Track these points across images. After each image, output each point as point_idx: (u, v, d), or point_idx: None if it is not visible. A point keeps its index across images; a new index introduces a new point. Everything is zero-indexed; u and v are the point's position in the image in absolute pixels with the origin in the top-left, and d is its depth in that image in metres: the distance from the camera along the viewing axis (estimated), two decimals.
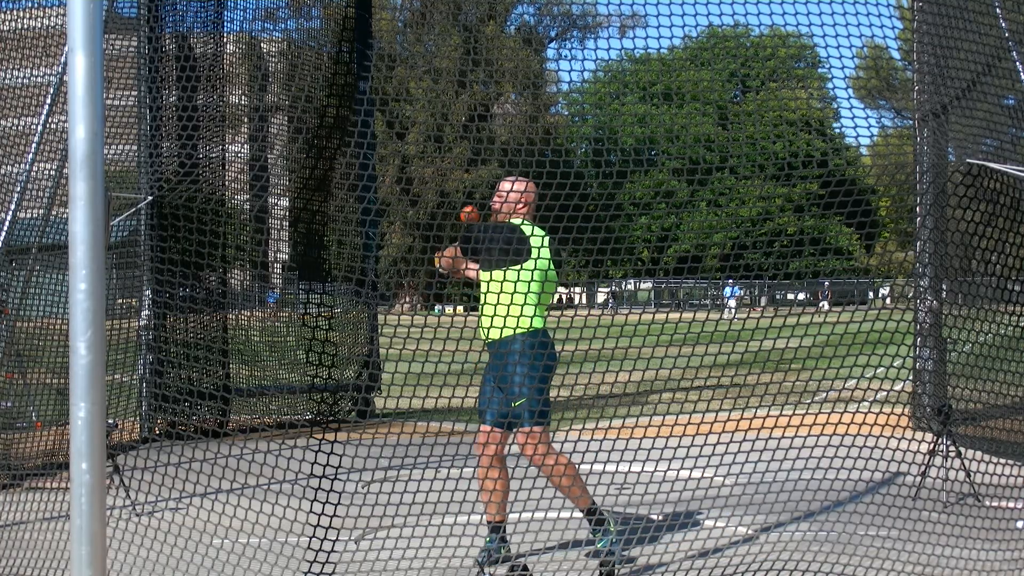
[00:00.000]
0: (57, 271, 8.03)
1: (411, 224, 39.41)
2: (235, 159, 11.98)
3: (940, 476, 6.23)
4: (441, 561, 4.94)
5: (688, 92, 45.40)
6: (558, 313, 5.61)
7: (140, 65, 9.30)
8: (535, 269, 5.12)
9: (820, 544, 5.35)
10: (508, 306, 5.02)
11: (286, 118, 12.92)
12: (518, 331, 5.11)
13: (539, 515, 5.39)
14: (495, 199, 5.40)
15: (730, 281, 42.12)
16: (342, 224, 10.66)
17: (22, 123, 7.55)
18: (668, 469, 5.26)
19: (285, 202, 12.86)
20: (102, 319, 2.89)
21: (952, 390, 6.93)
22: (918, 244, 7.97)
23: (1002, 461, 5.92)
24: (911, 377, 8.93)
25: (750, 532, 5.83)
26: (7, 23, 7.67)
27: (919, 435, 6.50)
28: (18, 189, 7.27)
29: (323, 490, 4.39)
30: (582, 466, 5.34)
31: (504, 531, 5.37)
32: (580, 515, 5.44)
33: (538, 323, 5.18)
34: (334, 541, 4.47)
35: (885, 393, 9.68)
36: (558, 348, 5.33)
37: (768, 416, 5.42)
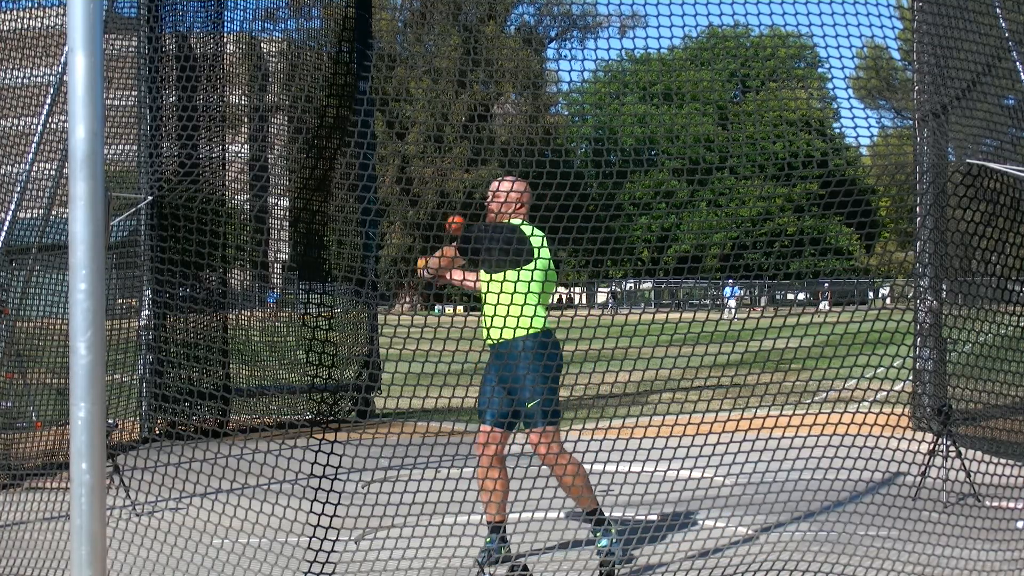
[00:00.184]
0: (57, 271, 8.03)
1: (411, 224, 39.41)
2: (235, 159, 11.98)
3: (940, 476, 6.23)
4: (441, 561, 4.93)
5: (688, 92, 45.40)
6: (558, 313, 5.60)
7: (140, 65, 9.30)
8: (535, 269, 5.12)
9: (820, 544, 5.35)
10: (512, 307, 5.02)
11: (286, 118, 12.92)
12: (528, 331, 5.11)
13: (539, 515, 5.39)
14: (493, 200, 5.38)
15: (730, 281, 42.13)
16: (342, 224, 10.66)
17: (22, 123, 7.55)
18: (668, 469, 5.26)
19: (285, 202, 12.86)
20: (102, 319, 2.89)
21: (952, 390, 6.93)
22: (918, 244, 7.97)
23: (1002, 461, 5.92)
24: (911, 377, 8.93)
25: (750, 532, 5.83)
26: (7, 23, 7.67)
27: (919, 435, 6.50)
28: (18, 189, 7.27)
29: (323, 490, 4.39)
30: (581, 466, 5.34)
31: (504, 531, 5.37)
32: (580, 515, 5.44)
33: (542, 323, 5.17)
34: (334, 541, 4.47)
35: (885, 393, 9.68)
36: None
37: (768, 416, 5.42)
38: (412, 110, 43.70)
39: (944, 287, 8.01)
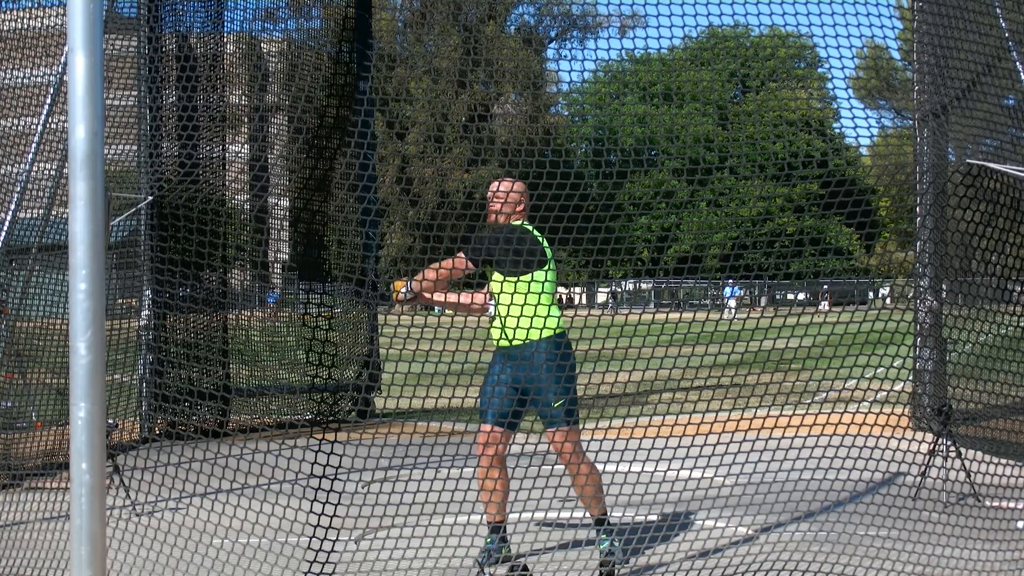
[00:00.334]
0: (57, 271, 8.03)
1: (411, 224, 39.41)
2: (235, 159, 11.98)
3: (940, 476, 6.23)
4: (441, 561, 4.93)
5: (688, 92, 45.42)
6: (558, 313, 5.62)
7: (140, 65, 9.30)
8: (548, 270, 5.15)
9: (820, 544, 5.35)
10: (529, 309, 5.05)
11: (286, 118, 12.92)
12: (544, 334, 5.11)
13: (539, 515, 5.39)
14: (494, 201, 5.35)
15: (730, 281, 42.13)
16: (342, 224, 10.66)
17: (22, 123, 7.55)
18: (668, 469, 5.26)
19: (285, 202, 12.86)
20: (102, 319, 2.90)
21: (952, 390, 6.93)
22: (918, 244, 7.97)
23: (1002, 461, 5.92)
24: (911, 377, 8.93)
25: (750, 532, 5.83)
26: (7, 23, 7.67)
27: (919, 435, 6.50)
28: (18, 189, 7.27)
29: (323, 490, 4.39)
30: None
31: (504, 531, 5.37)
32: (580, 515, 5.44)
33: (557, 324, 5.19)
34: (334, 541, 4.47)
35: (885, 393, 9.68)
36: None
37: (768, 416, 5.42)
38: (412, 110, 43.70)
39: (944, 287, 8.01)
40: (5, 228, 7.21)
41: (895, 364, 6.16)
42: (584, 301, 48.20)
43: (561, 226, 5.17)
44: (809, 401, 8.29)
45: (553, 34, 56.28)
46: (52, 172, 7.60)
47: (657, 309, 43.51)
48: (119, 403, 8.99)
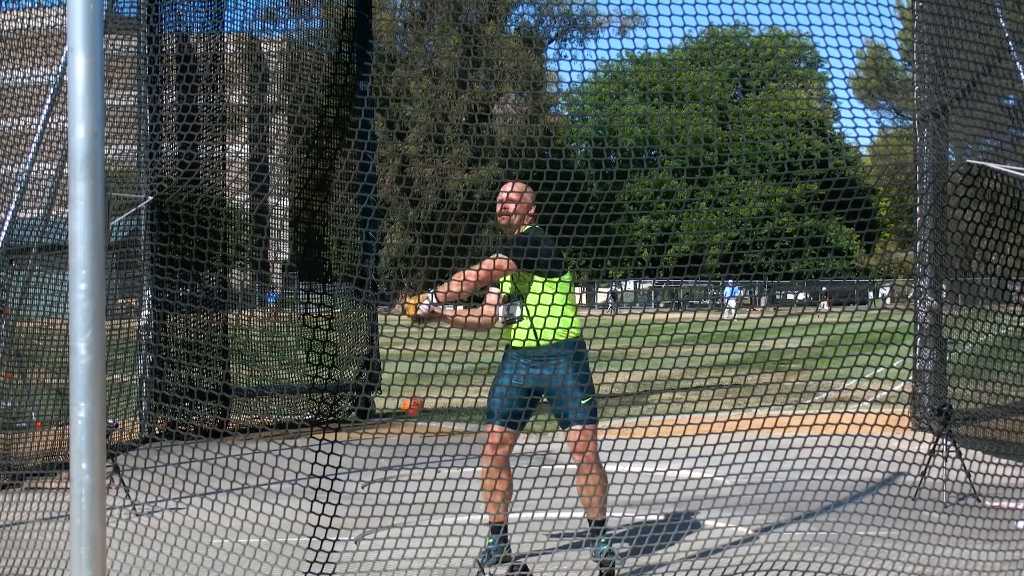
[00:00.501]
0: (57, 271, 8.03)
1: (411, 224, 39.41)
2: (235, 159, 11.97)
3: (940, 476, 6.23)
4: (441, 561, 4.94)
5: (688, 92, 45.41)
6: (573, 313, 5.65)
7: (140, 65, 9.30)
8: (571, 272, 5.21)
9: (820, 544, 5.36)
10: (556, 311, 5.11)
11: (286, 118, 12.92)
12: (572, 334, 5.19)
13: (539, 515, 5.39)
14: (508, 206, 5.32)
15: (730, 281, 42.12)
16: (342, 224, 10.66)
17: (22, 123, 7.55)
18: (668, 469, 5.26)
19: (285, 202, 12.86)
20: (102, 319, 2.89)
21: (952, 390, 6.93)
22: (918, 244, 7.97)
23: (1002, 461, 5.92)
24: (911, 377, 8.93)
25: (750, 532, 5.83)
26: (7, 23, 7.68)
27: (919, 435, 6.50)
28: (18, 189, 7.27)
29: (323, 490, 4.39)
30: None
31: (505, 531, 5.37)
32: (580, 515, 5.43)
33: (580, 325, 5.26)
34: (334, 541, 4.47)
35: (885, 393, 9.68)
36: None
37: (768, 416, 5.42)
38: (412, 110, 43.70)
39: (944, 287, 8.01)
40: (5, 228, 7.21)
41: (895, 364, 6.16)
42: (584, 301, 48.19)
43: (561, 226, 5.17)
44: (809, 401, 8.29)
45: (553, 34, 56.28)
46: (52, 172, 7.60)
47: (657, 309, 43.52)
48: (119, 403, 8.99)
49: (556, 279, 5.16)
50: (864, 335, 5.56)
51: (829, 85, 49.54)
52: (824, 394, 8.04)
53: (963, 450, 6.54)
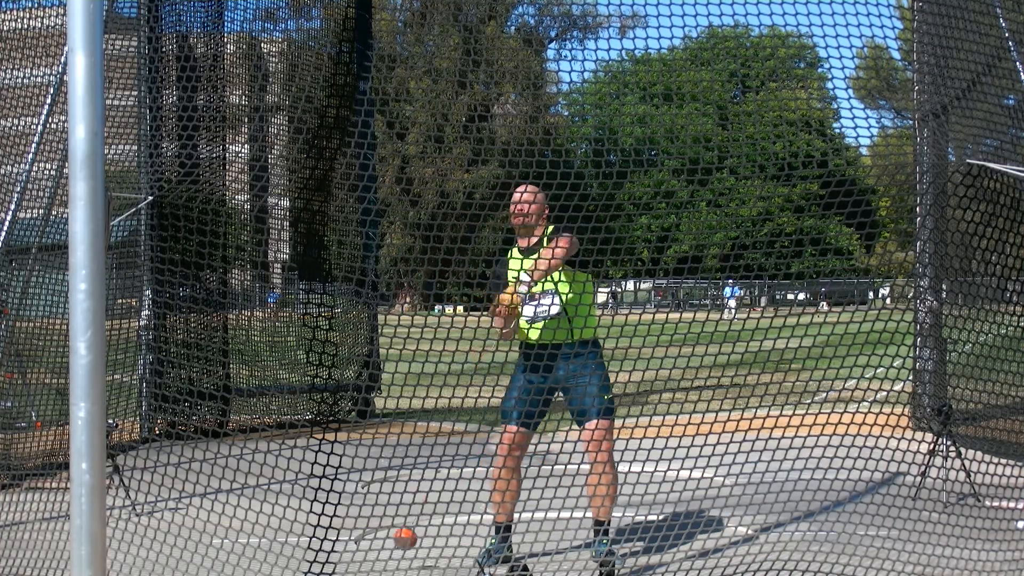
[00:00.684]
0: (57, 271, 8.03)
1: (411, 224, 39.41)
2: (235, 159, 11.97)
3: (940, 476, 6.23)
4: (441, 561, 4.94)
5: (688, 92, 45.42)
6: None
7: (140, 65, 9.30)
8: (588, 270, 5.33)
9: (820, 544, 5.36)
10: (584, 309, 5.21)
11: (286, 118, 12.92)
12: (598, 332, 5.30)
13: (539, 515, 5.39)
14: (523, 207, 5.30)
15: (730, 281, 42.11)
16: (342, 224, 10.66)
17: (22, 123, 7.55)
18: (668, 469, 5.26)
19: (285, 202, 12.86)
20: (102, 319, 2.90)
21: (952, 390, 6.93)
22: (918, 244, 7.97)
23: (1002, 461, 5.92)
24: (911, 377, 8.93)
25: (750, 532, 5.83)
26: (7, 23, 7.68)
27: (919, 435, 6.50)
28: (18, 189, 7.27)
29: (323, 490, 4.39)
30: (583, 466, 5.34)
31: (508, 531, 5.35)
32: (580, 516, 5.43)
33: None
34: (334, 541, 4.47)
35: (885, 393, 9.68)
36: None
37: (768, 416, 5.42)
38: (412, 110, 43.70)
39: (944, 287, 8.01)
40: (5, 228, 7.21)
41: (895, 364, 6.16)
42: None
43: (561, 226, 5.17)
44: (809, 401, 8.29)
45: (553, 34, 56.29)
46: (52, 172, 7.60)
47: (657, 309, 43.52)
48: (119, 403, 8.99)
49: (587, 275, 5.27)
50: (864, 335, 5.56)
51: (829, 85, 49.62)
52: (824, 394, 8.04)
53: (963, 450, 6.54)
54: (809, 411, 5.39)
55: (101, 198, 2.89)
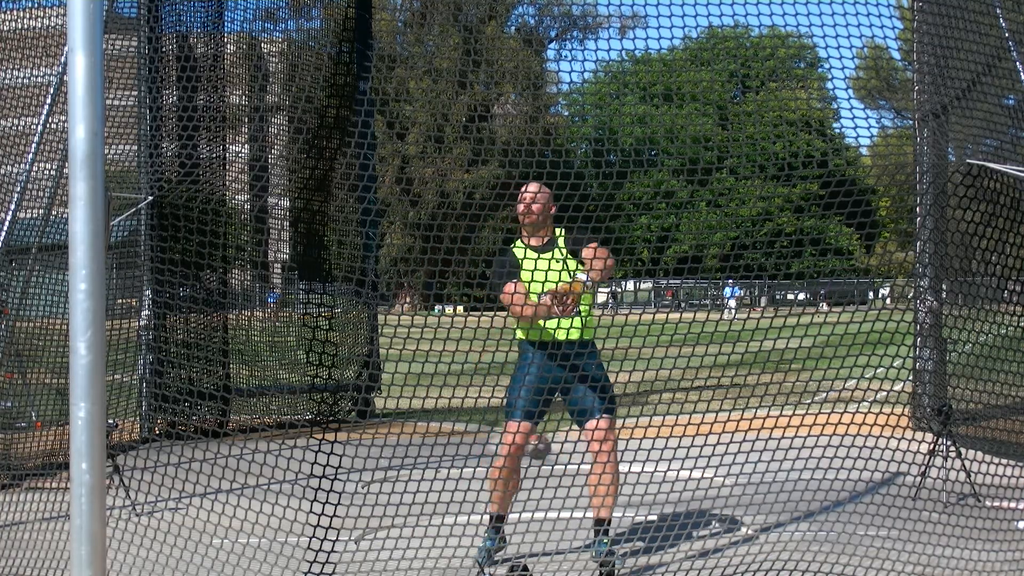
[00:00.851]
0: (57, 271, 8.03)
1: (411, 224, 39.41)
2: (235, 159, 11.97)
3: (940, 476, 6.23)
4: (441, 561, 4.93)
5: (688, 92, 45.41)
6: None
7: (140, 65, 9.29)
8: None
9: (820, 544, 5.35)
10: (587, 308, 5.22)
11: (286, 118, 12.91)
12: (597, 331, 5.34)
13: (539, 515, 5.39)
14: (533, 206, 5.30)
15: (730, 281, 42.11)
16: (342, 224, 10.66)
17: (22, 123, 7.55)
18: (668, 469, 5.26)
19: (285, 202, 12.86)
20: (102, 319, 2.89)
21: (952, 390, 6.93)
22: (918, 244, 7.97)
23: (1002, 461, 5.92)
24: (911, 377, 8.93)
25: (750, 532, 5.83)
26: (7, 23, 7.68)
27: (919, 435, 6.50)
28: (18, 189, 7.27)
29: (323, 490, 4.39)
30: (583, 466, 5.34)
31: (503, 522, 5.35)
32: (580, 516, 5.43)
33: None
34: (334, 541, 4.47)
35: (885, 393, 9.68)
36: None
37: (768, 416, 5.42)
38: (412, 110, 43.70)
39: (944, 287, 8.01)
40: (5, 228, 7.21)
41: (895, 364, 6.16)
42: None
43: (561, 226, 5.17)
44: (809, 401, 8.29)
45: (553, 34, 56.29)
46: (52, 172, 7.60)
47: (657, 309, 43.52)
48: (119, 403, 8.99)
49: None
50: (864, 335, 5.56)
51: (829, 85, 49.58)
52: (824, 394, 8.04)
53: (963, 450, 6.54)
54: (809, 411, 5.39)
55: (101, 198, 2.89)
